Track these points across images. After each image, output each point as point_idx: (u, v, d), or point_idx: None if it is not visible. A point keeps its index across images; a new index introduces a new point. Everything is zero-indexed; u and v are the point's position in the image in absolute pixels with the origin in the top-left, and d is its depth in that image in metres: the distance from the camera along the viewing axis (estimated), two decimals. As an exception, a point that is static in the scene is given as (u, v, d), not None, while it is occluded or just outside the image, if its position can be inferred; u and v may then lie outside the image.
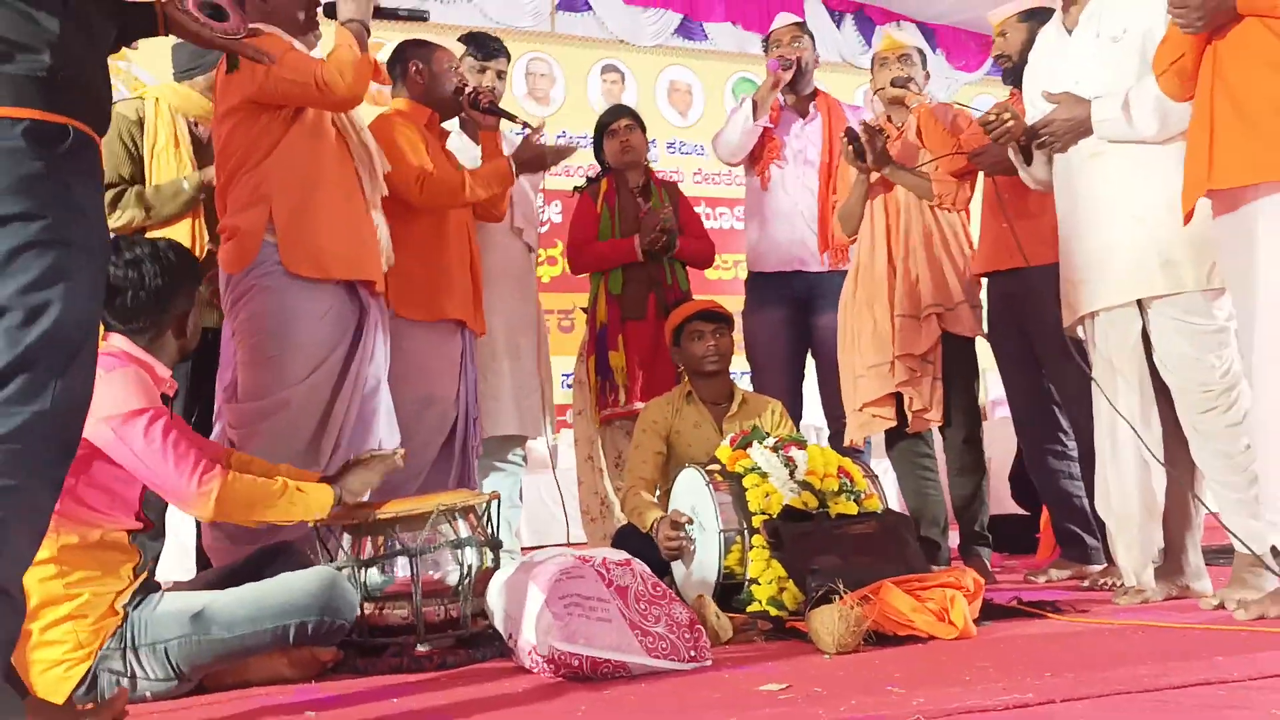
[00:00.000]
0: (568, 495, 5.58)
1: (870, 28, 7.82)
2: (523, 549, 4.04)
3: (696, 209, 7.10)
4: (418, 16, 3.09)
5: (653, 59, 7.31)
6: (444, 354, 3.23)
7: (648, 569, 2.23)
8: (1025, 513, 4.48)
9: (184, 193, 3.17)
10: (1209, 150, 2.26)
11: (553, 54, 7.07)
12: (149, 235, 3.08)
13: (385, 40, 5.63)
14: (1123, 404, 2.71)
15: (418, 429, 3.13)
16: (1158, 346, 2.67)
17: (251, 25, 2.66)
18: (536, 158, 3.38)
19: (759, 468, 2.89)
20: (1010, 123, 2.86)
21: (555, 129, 7.01)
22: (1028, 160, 2.96)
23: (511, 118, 3.43)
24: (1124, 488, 2.73)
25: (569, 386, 5.43)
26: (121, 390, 2.09)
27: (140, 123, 3.26)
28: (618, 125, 3.98)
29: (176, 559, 3.92)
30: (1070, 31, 2.87)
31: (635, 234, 3.84)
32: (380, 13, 2.87)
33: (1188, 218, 2.44)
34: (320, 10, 2.91)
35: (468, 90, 3.35)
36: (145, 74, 4.50)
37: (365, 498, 2.34)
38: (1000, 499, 5.24)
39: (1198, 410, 2.60)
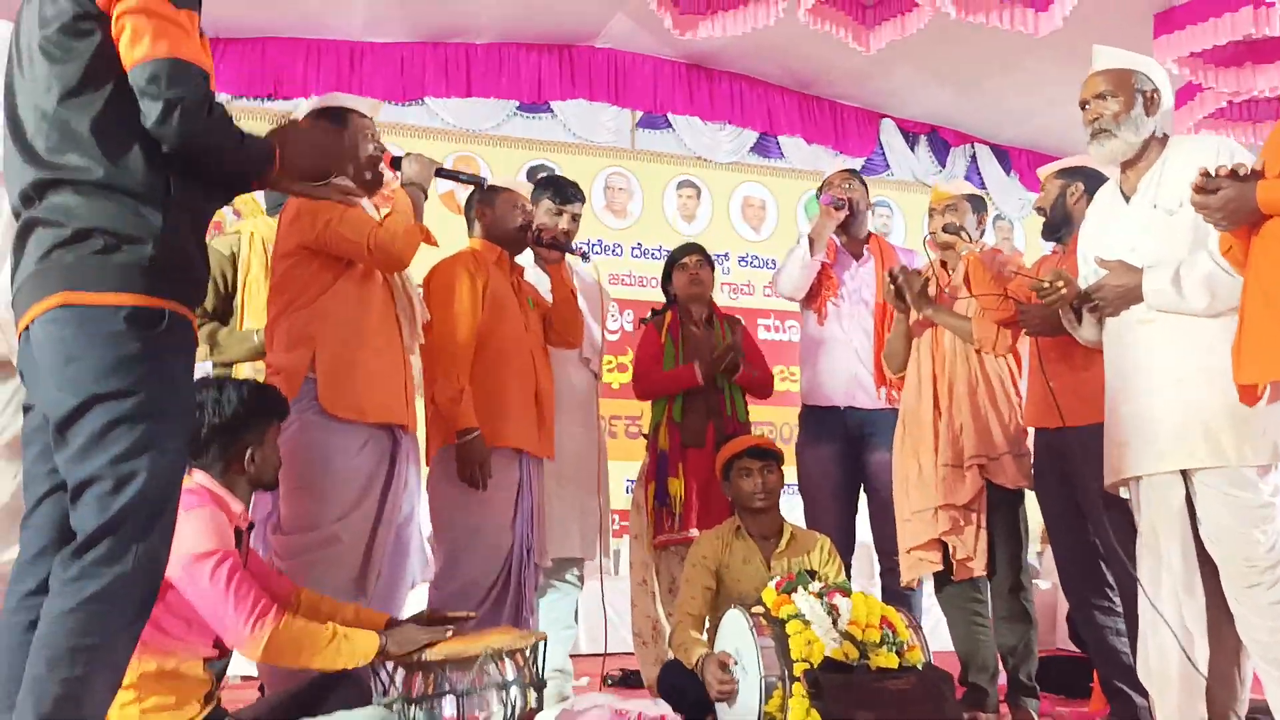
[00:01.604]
0: (617, 604, 5.66)
1: (945, 149, 7.96)
2: (575, 656, 4.13)
3: (766, 320, 7.34)
4: (477, 182, 3.28)
5: (728, 175, 7.53)
6: (499, 482, 3.29)
7: (681, 722, 2.31)
8: (1081, 655, 4.43)
9: (252, 343, 3.41)
10: (1239, 343, 2.32)
11: (631, 169, 7.33)
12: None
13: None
14: (1165, 571, 2.73)
15: (469, 558, 3.22)
16: (1202, 517, 2.68)
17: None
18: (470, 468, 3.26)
19: (802, 615, 2.95)
20: (1063, 290, 2.92)
21: (631, 241, 7.25)
22: (1079, 319, 3.02)
23: (571, 250, 3.63)
24: (1164, 656, 2.73)
25: (632, 493, 5.52)
26: (196, 530, 2.25)
27: (233, 258, 3.54)
28: (689, 260, 4.14)
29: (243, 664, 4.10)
30: (1128, 198, 2.92)
31: (695, 360, 3.97)
32: (442, 173, 3.07)
33: (1241, 396, 2.46)
34: (392, 163, 3.10)
35: (533, 227, 3.55)
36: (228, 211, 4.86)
37: (408, 648, 2.44)
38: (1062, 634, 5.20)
39: (1242, 585, 2.60)
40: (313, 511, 2.79)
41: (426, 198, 3.01)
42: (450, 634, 2.49)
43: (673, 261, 4.22)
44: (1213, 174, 2.31)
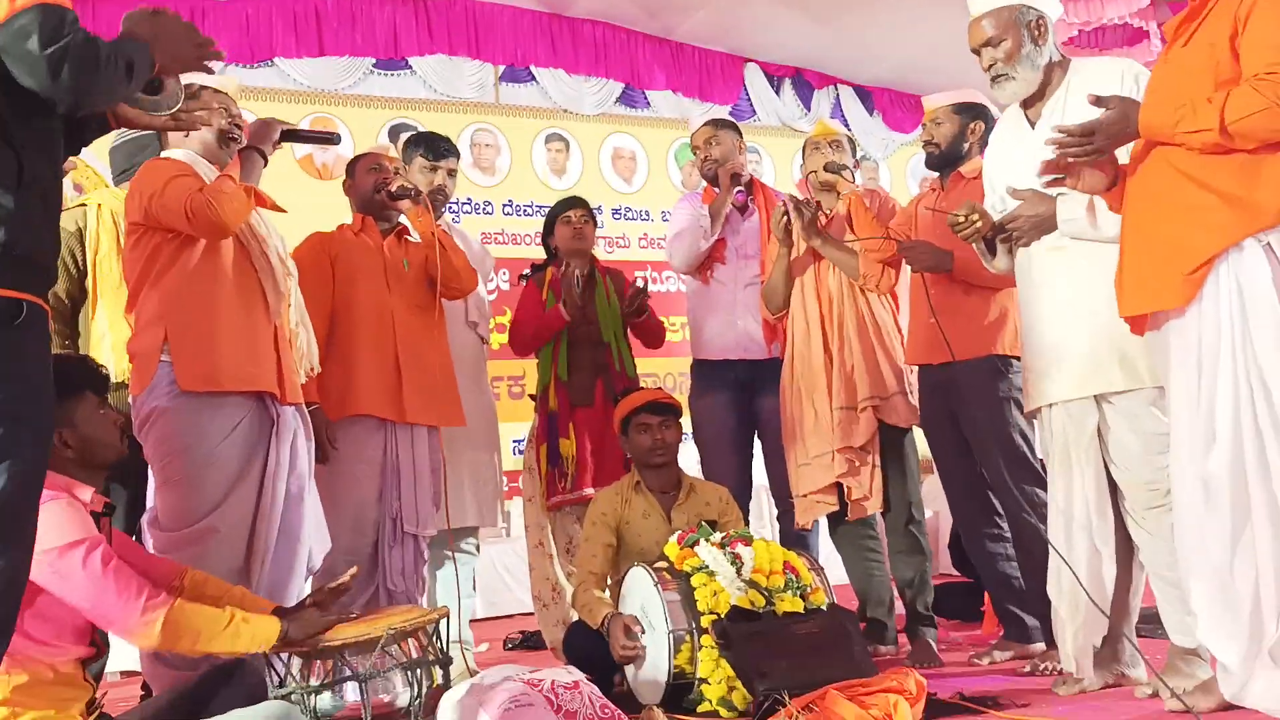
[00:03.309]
0: (511, 566, 5.61)
1: (809, 91, 7.99)
2: (474, 621, 4.06)
3: (643, 273, 7.29)
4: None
5: (596, 127, 7.42)
6: (355, 454, 3.23)
7: (597, 690, 2.28)
8: (966, 579, 4.56)
9: None
10: (1119, 277, 2.35)
11: (497, 124, 7.15)
12: None
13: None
14: (1078, 494, 2.76)
15: (335, 534, 3.08)
16: (1109, 443, 2.72)
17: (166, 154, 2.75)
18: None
19: (706, 566, 2.94)
20: (978, 223, 2.86)
21: (502, 199, 7.09)
22: (991, 251, 2.99)
23: (417, 195, 3.45)
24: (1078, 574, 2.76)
25: (519, 454, 5.49)
26: (54, 523, 2.07)
27: (80, 234, 3.29)
28: (573, 214, 4.03)
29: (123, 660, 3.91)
30: (1033, 125, 2.87)
31: (580, 323, 3.88)
32: (289, 136, 2.95)
33: (1131, 327, 2.48)
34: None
35: (382, 187, 3.43)
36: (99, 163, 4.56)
37: (311, 632, 2.33)
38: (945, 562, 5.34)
39: (1143, 507, 2.67)
40: (184, 504, 2.64)
41: (266, 163, 2.86)
42: (356, 614, 2.39)
43: (555, 215, 4.10)
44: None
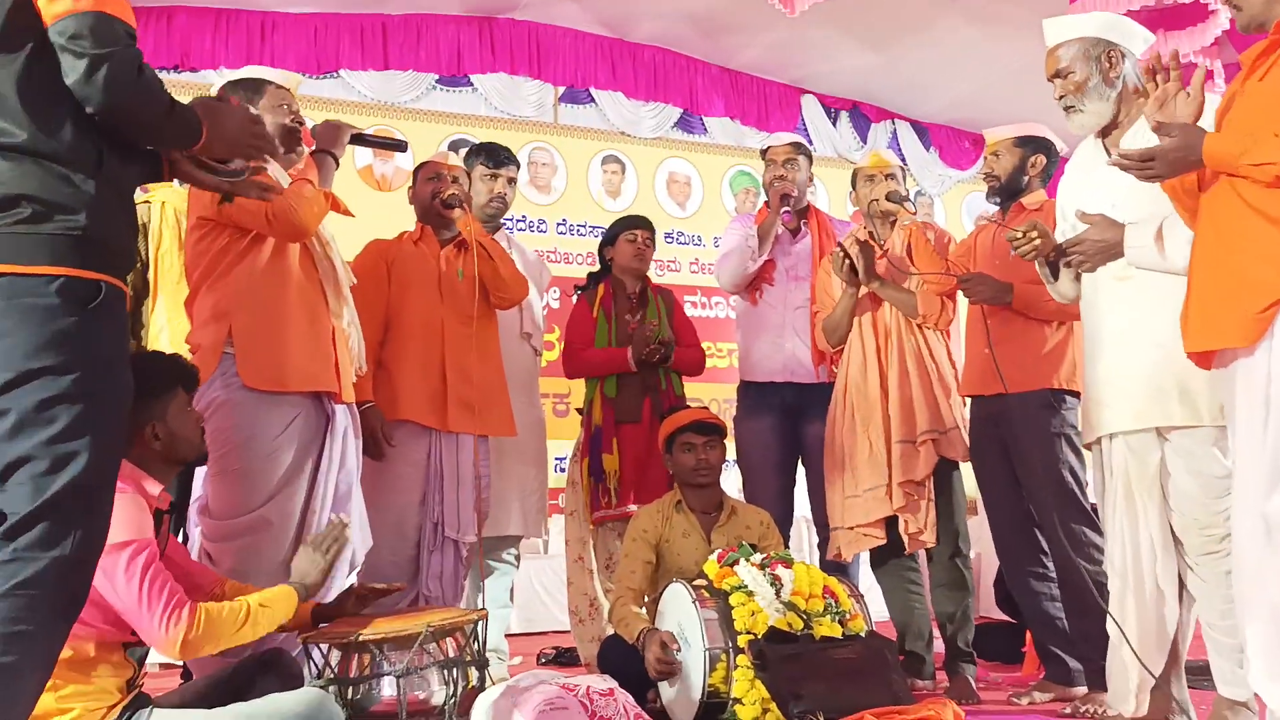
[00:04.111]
0: (547, 583, 5.60)
1: (865, 125, 8.00)
2: (509, 636, 4.06)
3: (693, 297, 7.31)
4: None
5: (653, 151, 7.48)
6: (402, 456, 3.26)
7: (631, 699, 2.26)
8: (1010, 620, 4.49)
9: None
10: (1186, 310, 2.31)
11: (555, 144, 7.23)
12: None
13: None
14: (1143, 531, 2.70)
15: (376, 535, 3.09)
16: (1168, 485, 2.66)
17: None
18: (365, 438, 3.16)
19: (745, 586, 2.92)
20: (1038, 241, 2.82)
21: (556, 217, 7.15)
22: (1054, 275, 2.94)
23: (465, 203, 3.50)
24: (1140, 615, 2.71)
25: (562, 470, 5.52)
26: (114, 518, 2.11)
27: (144, 229, 3.36)
28: (639, 234, 4.04)
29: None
30: (1110, 152, 2.80)
31: (629, 344, 3.89)
32: (358, 140, 3.01)
33: (1196, 363, 2.41)
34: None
35: (437, 195, 3.48)
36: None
37: (318, 575, 2.41)
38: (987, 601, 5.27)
39: (1198, 552, 2.60)
40: (238, 494, 2.67)
41: (338, 165, 2.93)
42: (343, 518, 2.46)
43: (620, 230, 4.08)
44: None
